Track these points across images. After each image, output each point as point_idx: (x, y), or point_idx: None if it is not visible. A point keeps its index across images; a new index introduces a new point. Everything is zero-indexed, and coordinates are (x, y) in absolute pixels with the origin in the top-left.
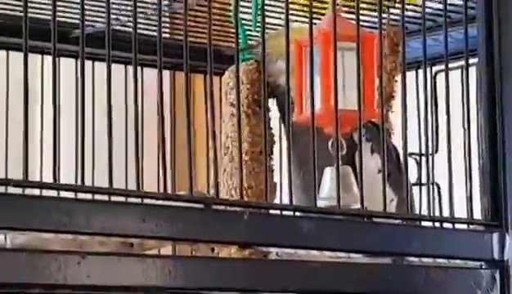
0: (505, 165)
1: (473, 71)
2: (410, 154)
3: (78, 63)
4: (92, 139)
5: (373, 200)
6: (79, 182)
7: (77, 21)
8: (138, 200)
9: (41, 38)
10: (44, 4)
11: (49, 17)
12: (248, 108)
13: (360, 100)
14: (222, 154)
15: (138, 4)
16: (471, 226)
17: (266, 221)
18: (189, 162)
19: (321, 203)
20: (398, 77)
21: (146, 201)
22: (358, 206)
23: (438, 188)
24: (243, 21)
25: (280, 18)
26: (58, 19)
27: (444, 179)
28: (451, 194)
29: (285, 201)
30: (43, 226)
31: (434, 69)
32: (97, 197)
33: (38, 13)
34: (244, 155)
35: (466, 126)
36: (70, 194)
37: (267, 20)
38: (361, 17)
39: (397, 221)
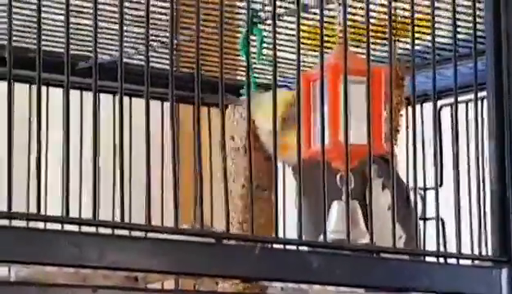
0: None
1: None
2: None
3: (84, 94)
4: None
5: (382, 236)
6: (84, 215)
7: (82, 53)
8: (148, 234)
9: (46, 70)
10: (50, 36)
11: (55, 49)
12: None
13: (370, 134)
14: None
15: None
16: (480, 262)
17: (276, 256)
18: (199, 196)
19: (327, 237)
20: (403, 111)
21: (153, 235)
22: (365, 241)
23: (443, 223)
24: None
25: (287, 51)
26: (63, 51)
27: (448, 213)
28: (459, 230)
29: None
30: (54, 260)
31: (439, 103)
32: (102, 230)
33: (43, 45)
34: (241, 189)
35: (475, 160)
36: (75, 228)
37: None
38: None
39: (405, 257)
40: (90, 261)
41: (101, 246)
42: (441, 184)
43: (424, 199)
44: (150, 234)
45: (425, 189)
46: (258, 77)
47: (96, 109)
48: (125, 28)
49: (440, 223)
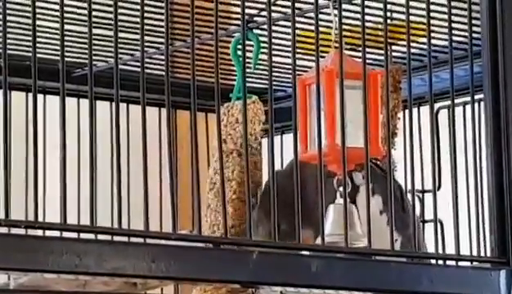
0: (511, 201)
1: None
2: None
3: (81, 102)
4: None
5: (375, 241)
6: (83, 222)
7: (78, 60)
8: (145, 240)
9: (42, 78)
10: (46, 44)
11: (51, 57)
12: (241, 146)
13: (367, 138)
14: (207, 189)
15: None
16: (478, 263)
17: (274, 261)
18: (197, 202)
19: (325, 241)
20: (400, 115)
21: (151, 240)
22: (362, 243)
23: (441, 225)
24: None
25: (283, 56)
26: (59, 58)
27: (446, 215)
28: (458, 232)
29: None
30: (54, 267)
31: (436, 105)
32: (103, 237)
33: (39, 52)
34: (231, 194)
35: (472, 162)
36: (74, 235)
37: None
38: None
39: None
40: (89, 268)
41: (99, 252)
42: (439, 187)
43: (422, 202)
44: (149, 240)
45: (423, 192)
46: (252, 82)
47: (93, 116)
48: (121, 34)
49: (439, 225)
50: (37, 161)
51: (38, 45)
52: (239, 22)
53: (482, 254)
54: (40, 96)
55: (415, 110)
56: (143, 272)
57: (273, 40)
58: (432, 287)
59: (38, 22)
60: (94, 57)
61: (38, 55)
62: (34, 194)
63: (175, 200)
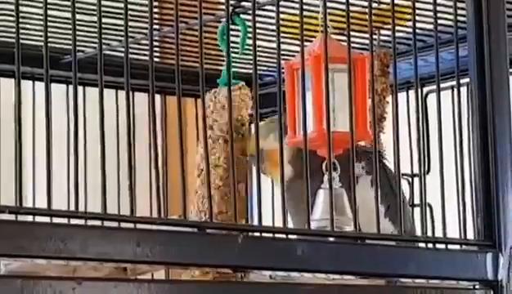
0: (497, 185)
1: (463, 91)
2: (402, 175)
3: (70, 88)
4: (84, 164)
5: (366, 222)
6: (72, 208)
7: (67, 47)
8: (132, 225)
9: (31, 64)
10: (34, 30)
11: (39, 43)
12: (227, 133)
13: (352, 122)
14: (195, 176)
15: (128, 29)
16: (465, 246)
17: (260, 244)
18: (182, 187)
19: (313, 225)
20: (389, 99)
21: (139, 226)
22: (352, 228)
23: (431, 208)
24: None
25: (270, 40)
26: (48, 44)
27: (436, 199)
28: (444, 215)
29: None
30: (39, 253)
31: (425, 89)
32: (91, 222)
33: (27, 39)
34: (218, 181)
35: (459, 146)
36: (64, 220)
37: (257, 42)
38: (351, 39)
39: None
40: (74, 253)
41: (84, 237)
42: (428, 171)
43: (411, 186)
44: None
45: (413, 176)
46: (241, 68)
47: (77, 102)
48: (108, 20)
49: (428, 209)
50: (21, 146)
51: (27, 31)
52: None
53: (471, 237)
54: (29, 83)
55: (403, 94)
56: (128, 256)
57: (261, 25)
58: (419, 270)
59: (26, 8)
60: (83, 43)
61: (27, 42)
62: (19, 180)
63: (160, 185)
